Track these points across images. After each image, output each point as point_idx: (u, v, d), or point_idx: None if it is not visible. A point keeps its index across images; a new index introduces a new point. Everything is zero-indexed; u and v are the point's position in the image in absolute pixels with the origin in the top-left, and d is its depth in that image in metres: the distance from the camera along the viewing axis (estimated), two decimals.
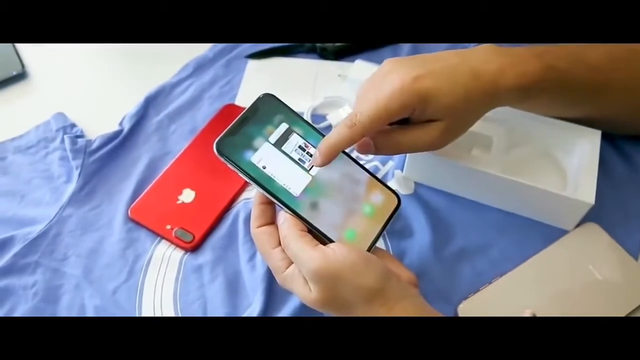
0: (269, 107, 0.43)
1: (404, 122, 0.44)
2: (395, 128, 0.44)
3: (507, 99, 0.45)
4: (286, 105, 0.43)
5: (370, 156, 0.58)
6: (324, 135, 0.43)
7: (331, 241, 0.40)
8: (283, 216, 0.41)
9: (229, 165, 0.41)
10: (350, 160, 0.43)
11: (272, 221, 0.42)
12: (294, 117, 0.43)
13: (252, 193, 0.55)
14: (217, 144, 0.40)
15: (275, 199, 0.41)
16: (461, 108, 0.43)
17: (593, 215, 0.51)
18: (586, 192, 0.49)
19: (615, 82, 0.49)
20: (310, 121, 0.51)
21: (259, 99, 0.43)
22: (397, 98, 0.41)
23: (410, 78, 0.41)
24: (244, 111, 0.42)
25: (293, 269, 0.40)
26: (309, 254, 0.38)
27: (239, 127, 0.41)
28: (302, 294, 0.39)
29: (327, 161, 0.41)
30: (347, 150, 0.44)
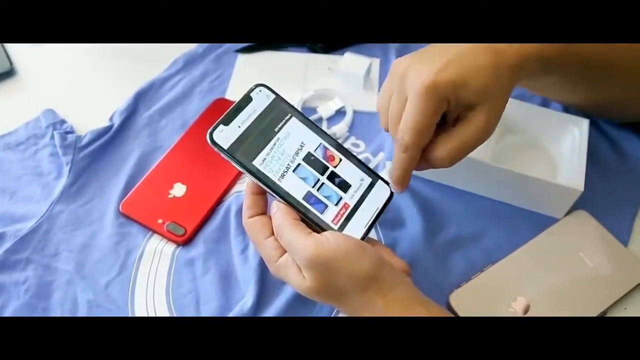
0: (262, 97, 0.43)
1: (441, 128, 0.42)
2: (441, 137, 0.42)
3: (531, 69, 0.43)
4: (279, 96, 0.43)
5: (362, 147, 0.59)
6: (316, 125, 0.43)
7: (324, 230, 0.40)
8: (276, 205, 0.41)
9: (222, 155, 0.41)
10: (343, 150, 0.44)
11: (264, 211, 0.42)
12: (286, 107, 0.43)
13: (244, 186, 0.55)
14: (210, 133, 0.40)
15: (268, 188, 0.41)
16: (493, 86, 0.41)
17: (582, 203, 0.51)
18: (575, 180, 0.50)
19: (630, 59, 0.48)
20: None
21: (252, 89, 0.43)
22: (428, 99, 0.39)
23: (431, 73, 0.39)
24: (238, 101, 0.42)
25: (286, 258, 0.40)
26: (303, 242, 0.38)
27: (232, 116, 0.41)
28: (296, 282, 0.39)
29: (404, 188, 0.44)
30: (339, 141, 0.44)
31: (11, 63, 0.65)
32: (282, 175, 0.41)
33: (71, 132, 0.58)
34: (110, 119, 0.60)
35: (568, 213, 0.52)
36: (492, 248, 0.51)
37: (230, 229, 0.52)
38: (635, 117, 0.57)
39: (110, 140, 0.58)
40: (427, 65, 0.40)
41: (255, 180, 0.41)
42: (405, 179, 0.43)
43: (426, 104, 0.39)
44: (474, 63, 0.40)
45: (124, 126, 0.59)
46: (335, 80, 0.63)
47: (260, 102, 0.42)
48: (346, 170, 0.43)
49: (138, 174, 0.56)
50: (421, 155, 0.42)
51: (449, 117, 0.42)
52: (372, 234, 0.50)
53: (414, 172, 0.55)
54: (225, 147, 0.40)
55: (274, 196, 0.41)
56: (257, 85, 0.43)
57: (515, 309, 0.47)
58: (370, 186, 0.43)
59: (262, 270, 0.48)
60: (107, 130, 0.58)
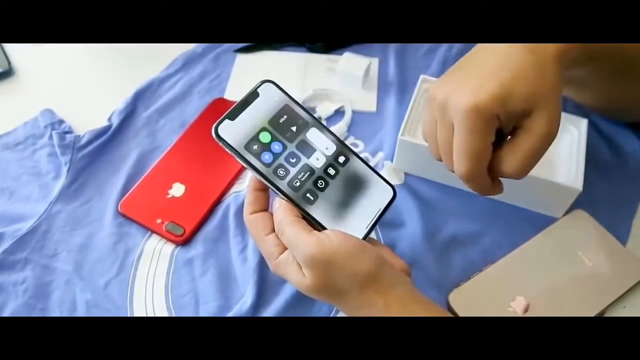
0: (269, 93, 0.43)
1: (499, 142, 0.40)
2: (505, 152, 0.39)
3: (574, 59, 0.41)
4: (285, 92, 0.43)
5: (361, 147, 0.59)
6: (321, 123, 0.43)
7: (324, 229, 0.40)
8: (278, 202, 0.41)
9: (227, 149, 0.41)
10: (348, 150, 0.44)
11: (266, 208, 0.42)
12: (292, 104, 0.43)
13: (243, 186, 0.55)
14: (215, 127, 0.40)
15: (271, 184, 0.41)
16: (541, 85, 0.38)
17: (581, 202, 0.51)
18: (574, 179, 0.50)
19: None
20: None
21: (259, 84, 0.43)
22: (475, 121, 0.37)
23: (471, 94, 0.37)
24: (245, 96, 0.42)
25: (287, 255, 0.40)
26: (305, 239, 0.38)
27: (238, 111, 0.41)
28: (295, 279, 0.39)
29: (499, 190, 0.41)
30: (346, 142, 0.44)
31: (9, 62, 0.65)
32: (286, 172, 0.41)
33: (69, 132, 0.58)
34: (109, 119, 0.60)
35: (567, 212, 0.53)
36: (491, 247, 0.51)
37: (229, 229, 0.52)
38: None
39: (108, 140, 0.58)
40: (464, 86, 0.38)
41: (258, 176, 0.41)
42: (487, 191, 0.40)
43: (474, 126, 0.37)
44: (513, 69, 0.37)
45: (122, 126, 0.59)
46: (334, 80, 0.63)
47: (267, 98, 0.42)
48: (351, 170, 0.43)
49: (137, 174, 0.56)
50: (489, 172, 0.40)
51: (505, 130, 0.39)
52: (372, 234, 0.50)
53: (414, 172, 0.55)
54: (230, 142, 0.40)
55: (276, 193, 0.41)
56: (264, 81, 0.43)
57: (514, 309, 0.47)
58: (373, 187, 0.43)
59: (261, 270, 0.48)
60: (105, 130, 0.58)
